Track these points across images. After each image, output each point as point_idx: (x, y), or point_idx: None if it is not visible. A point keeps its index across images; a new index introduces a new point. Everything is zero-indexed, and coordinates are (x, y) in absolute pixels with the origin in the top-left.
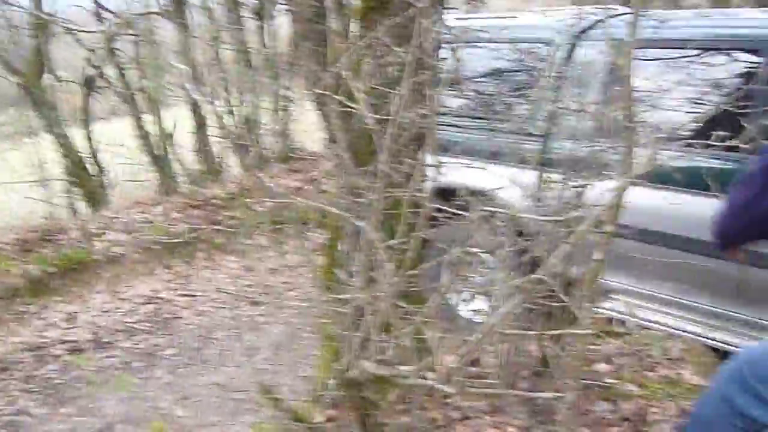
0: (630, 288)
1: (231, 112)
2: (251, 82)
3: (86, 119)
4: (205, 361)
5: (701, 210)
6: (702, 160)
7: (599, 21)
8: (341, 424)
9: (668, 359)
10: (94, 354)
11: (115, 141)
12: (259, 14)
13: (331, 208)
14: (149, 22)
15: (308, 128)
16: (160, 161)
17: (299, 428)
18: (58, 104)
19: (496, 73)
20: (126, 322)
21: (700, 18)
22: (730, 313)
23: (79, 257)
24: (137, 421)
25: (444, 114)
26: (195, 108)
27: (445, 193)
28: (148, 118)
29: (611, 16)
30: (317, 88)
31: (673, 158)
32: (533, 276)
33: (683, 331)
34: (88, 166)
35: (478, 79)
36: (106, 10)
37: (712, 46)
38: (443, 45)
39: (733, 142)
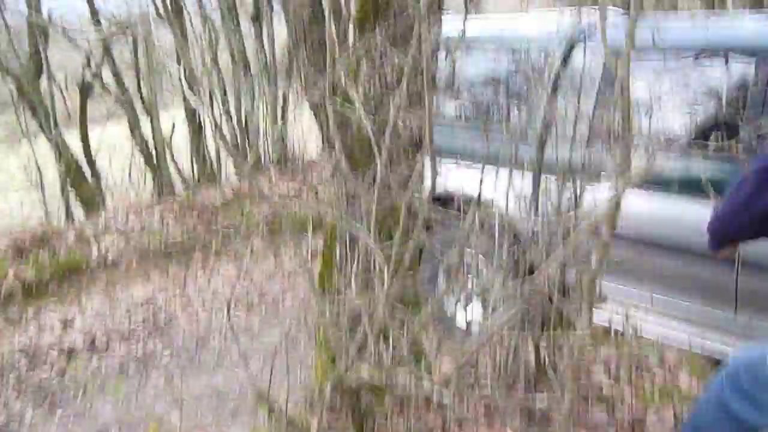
0: (626, 293)
1: (228, 117)
2: (248, 86)
3: (83, 123)
4: (201, 365)
5: (696, 216)
6: (698, 166)
7: (596, 25)
8: (337, 429)
9: (664, 366)
10: (89, 358)
11: (111, 145)
12: (257, 19)
13: (328, 213)
14: (147, 26)
15: (305, 133)
16: (156, 165)
17: None
18: (55, 108)
19: (492, 77)
20: (121, 327)
21: (696, 24)
22: (726, 319)
23: (75, 261)
24: (132, 425)
25: (441, 118)
26: (191, 112)
27: (442, 198)
28: (144, 122)
29: (608, 21)
30: (314, 93)
31: (669, 164)
32: (530, 282)
33: (678, 338)
34: (84, 170)
35: (475, 84)
36: (103, 15)
37: (708, 51)
38: (440, 49)
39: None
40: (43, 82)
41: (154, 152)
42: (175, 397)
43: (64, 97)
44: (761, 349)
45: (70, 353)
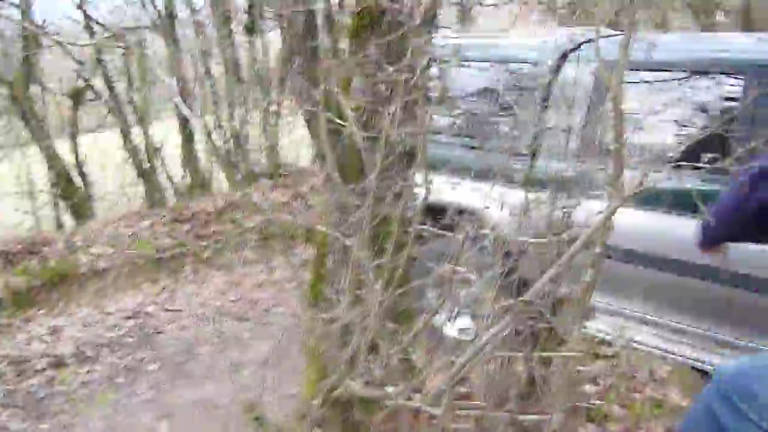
0: (616, 309)
1: (220, 127)
2: (241, 96)
3: (74, 131)
4: (189, 376)
5: (687, 231)
6: (689, 182)
7: (587, 41)
8: None
9: (655, 380)
10: (77, 368)
11: (102, 153)
12: (250, 29)
13: (319, 225)
14: (139, 35)
15: (297, 144)
16: (148, 174)
17: None
18: (46, 116)
19: (484, 92)
20: (110, 337)
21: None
22: (715, 333)
23: (64, 270)
24: None
25: (433, 132)
26: (183, 122)
27: (433, 212)
28: (136, 131)
29: (600, 37)
30: (307, 104)
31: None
32: (521, 298)
33: (670, 351)
34: (74, 178)
35: (467, 98)
36: (97, 22)
37: (699, 69)
38: (433, 63)
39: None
40: (35, 89)
41: (145, 161)
42: (163, 408)
43: (55, 106)
44: (750, 361)
45: (59, 363)
